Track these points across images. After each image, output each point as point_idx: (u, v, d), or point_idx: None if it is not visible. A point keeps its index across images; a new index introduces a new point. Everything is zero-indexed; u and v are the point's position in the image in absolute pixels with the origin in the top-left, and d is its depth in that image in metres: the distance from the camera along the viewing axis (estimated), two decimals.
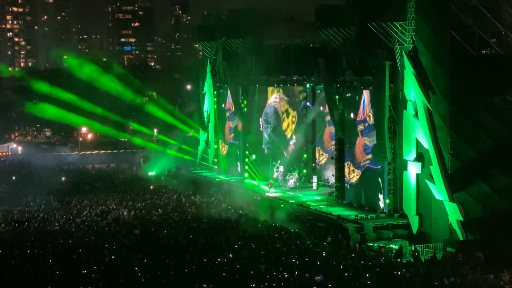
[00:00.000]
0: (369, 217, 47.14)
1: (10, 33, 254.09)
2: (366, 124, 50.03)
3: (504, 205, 41.95)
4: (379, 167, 48.61)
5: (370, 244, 43.48)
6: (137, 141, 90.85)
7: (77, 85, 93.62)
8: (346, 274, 34.66)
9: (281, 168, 61.66)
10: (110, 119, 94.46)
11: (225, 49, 68.59)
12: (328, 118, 56.24)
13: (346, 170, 52.37)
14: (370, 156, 49.57)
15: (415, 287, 32.54)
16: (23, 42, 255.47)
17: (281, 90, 63.93)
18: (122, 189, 64.61)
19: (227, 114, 69.75)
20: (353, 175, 51.81)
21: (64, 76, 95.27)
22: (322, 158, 59.46)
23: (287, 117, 63.81)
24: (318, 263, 37.11)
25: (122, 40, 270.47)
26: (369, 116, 49.56)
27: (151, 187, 65.89)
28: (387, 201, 47.66)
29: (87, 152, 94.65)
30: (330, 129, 57.04)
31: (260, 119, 65.62)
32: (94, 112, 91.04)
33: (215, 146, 72.45)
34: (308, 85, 61.18)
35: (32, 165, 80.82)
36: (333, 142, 55.49)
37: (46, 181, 68.93)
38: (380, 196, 48.63)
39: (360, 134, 50.81)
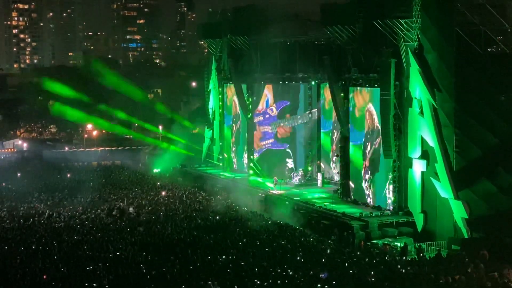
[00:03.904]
0: (373, 215, 47.18)
1: (16, 30, 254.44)
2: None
3: (509, 203, 41.83)
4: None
5: (375, 241, 43.45)
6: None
7: (82, 82, 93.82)
8: (350, 271, 34.66)
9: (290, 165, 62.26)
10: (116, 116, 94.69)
11: (230, 47, 68.62)
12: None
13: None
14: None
15: (420, 285, 32.48)
16: (29, 39, 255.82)
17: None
18: (127, 186, 64.70)
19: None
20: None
21: (70, 73, 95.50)
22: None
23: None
24: (323, 260, 37.13)
25: (127, 37, 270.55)
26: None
27: (158, 183, 65.94)
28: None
29: (92, 149, 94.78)
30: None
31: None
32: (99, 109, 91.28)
33: (220, 143, 72.53)
34: (313, 83, 61.23)
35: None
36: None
37: (52, 178, 69.14)
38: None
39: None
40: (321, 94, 60.58)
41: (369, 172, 50.77)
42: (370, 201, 50.77)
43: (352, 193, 52.67)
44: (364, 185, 51.37)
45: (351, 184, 52.77)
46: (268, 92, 65.02)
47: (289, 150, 64.17)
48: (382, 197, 49.29)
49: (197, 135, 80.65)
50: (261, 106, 65.45)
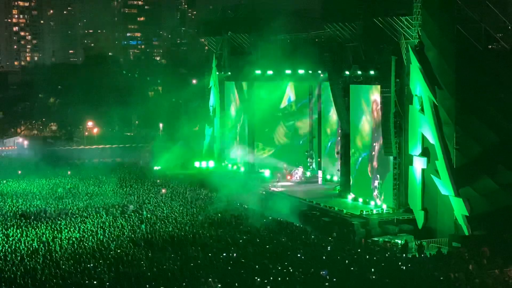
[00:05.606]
0: (374, 212, 47.16)
1: (16, 28, 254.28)
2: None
3: (509, 200, 41.89)
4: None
5: (376, 239, 43.48)
6: None
7: (83, 79, 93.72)
8: (351, 268, 34.69)
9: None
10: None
11: (230, 44, 68.67)
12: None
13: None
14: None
15: (420, 282, 32.54)
16: (29, 37, 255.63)
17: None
18: (128, 183, 64.68)
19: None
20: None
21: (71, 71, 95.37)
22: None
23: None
24: (324, 257, 37.14)
25: (128, 34, 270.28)
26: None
27: (158, 180, 65.94)
28: None
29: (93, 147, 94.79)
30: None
31: None
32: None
33: (221, 140, 72.55)
34: (314, 80, 61.19)
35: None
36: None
37: (53, 175, 69.13)
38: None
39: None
40: (322, 93, 60.61)
41: (378, 176, 50.19)
42: (379, 202, 49.79)
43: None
44: (375, 186, 50.74)
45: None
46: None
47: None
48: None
49: (197, 133, 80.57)
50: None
